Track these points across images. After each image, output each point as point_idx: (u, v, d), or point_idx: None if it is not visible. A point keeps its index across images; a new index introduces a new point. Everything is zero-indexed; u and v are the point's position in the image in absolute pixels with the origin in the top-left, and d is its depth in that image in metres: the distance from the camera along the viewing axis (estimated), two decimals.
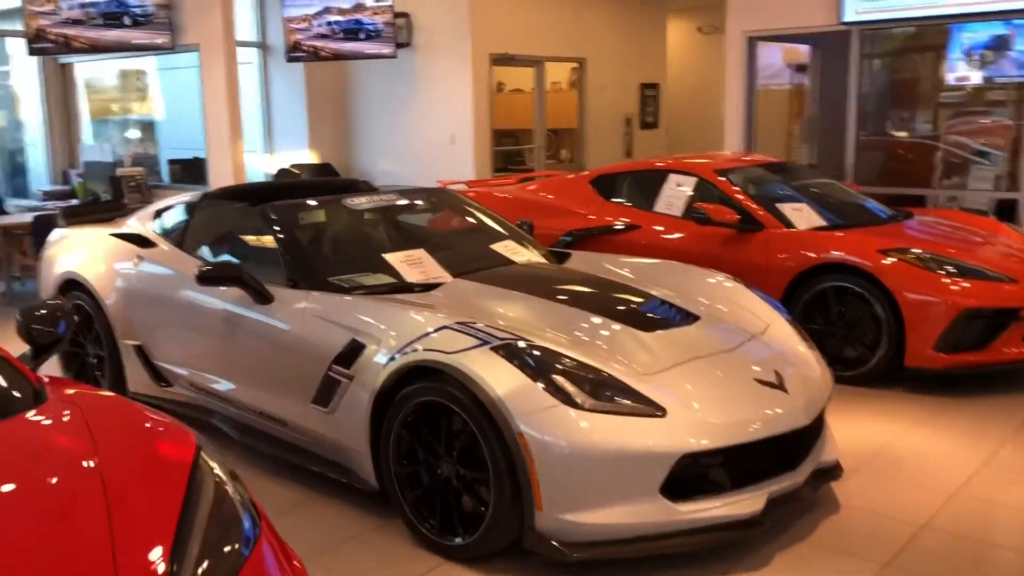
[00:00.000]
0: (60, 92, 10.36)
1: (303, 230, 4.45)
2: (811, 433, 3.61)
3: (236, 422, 4.36)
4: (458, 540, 3.35)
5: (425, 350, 3.39)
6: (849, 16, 7.84)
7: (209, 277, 4.03)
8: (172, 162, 10.19)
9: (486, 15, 10.21)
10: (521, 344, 3.32)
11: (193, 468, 2.18)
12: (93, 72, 11.40)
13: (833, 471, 3.78)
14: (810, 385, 3.66)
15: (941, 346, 5.06)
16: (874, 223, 5.94)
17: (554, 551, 3.14)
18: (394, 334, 3.56)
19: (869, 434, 4.59)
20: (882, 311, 5.18)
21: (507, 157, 12.41)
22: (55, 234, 5.56)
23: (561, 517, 3.12)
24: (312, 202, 4.58)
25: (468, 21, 10.03)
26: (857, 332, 5.34)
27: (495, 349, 3.28)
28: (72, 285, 5.13)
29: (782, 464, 3.45)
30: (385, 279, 4.13)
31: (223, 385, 4.37)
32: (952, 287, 5.07)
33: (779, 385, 3.50)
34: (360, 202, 4.61)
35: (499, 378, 3.19)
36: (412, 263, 4.22)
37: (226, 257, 4.67)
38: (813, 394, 3.62)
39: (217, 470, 2.24)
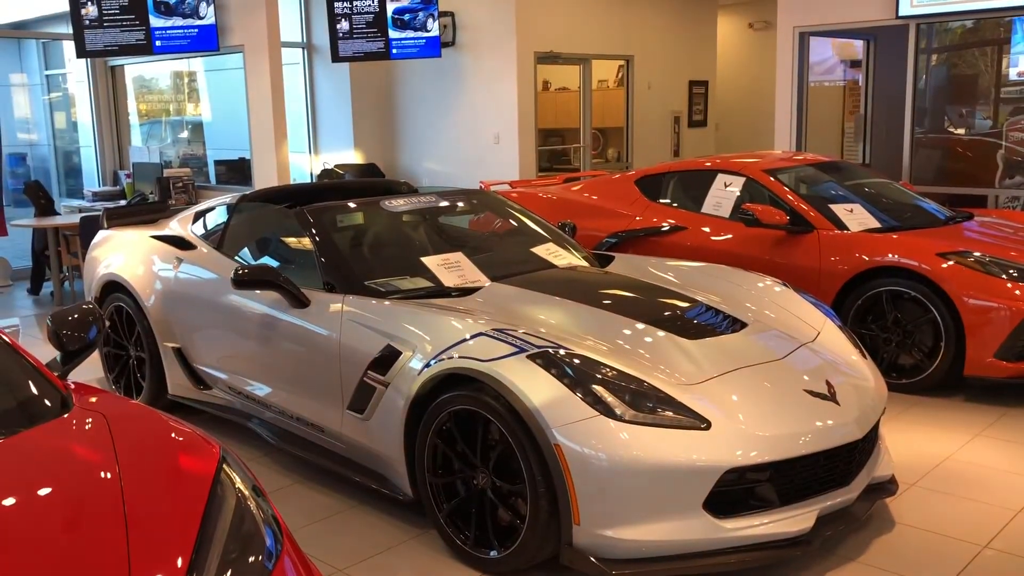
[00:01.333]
0: (110, 94, 10.49)
1: (340, 233, 4.39)
2: (864, 447, 3.44)
3: (273, 427, 4.32)
4: (493, 554, 3.25)
5: (460, 357, 3.30)
6: (905, 10, 7.58)
7: (244, 280, 3.99)
8: (218, 163, 10.26)
9: (531, 13, 10.11)
10: (559, 352, 3.21)
11: (214, 482, 2.12)
12: (142, 74, 11.54)
13: (888, 487, 3.61)
14: (863, 396, 3.49)
15: (1003, 354, 4.83)
16: (931, 225, 5.71)
17: (592, 568, 3.02)
18: (429, 340, 3.48)
19: (926, 447, 4.39)
20: (940, 317, 4.97)
21: (553, 157, 12.30)
22: (99, 236, 5.58)
23: (599, 532, 3.00)
24: (349, 204, 4.52)
25: (513, 19, 9.94)
26: (914, 339, 5.14)
27: (532, 357, 3.18)
28: (114, 287, 5.14)
29: (833, 479, 3.29)
30: (422, 283, 4.05)
31: (260, 389, 4.33)
32: (1015, 292, 4.84)
33: (831, 396, 3.34)
34: (398, 204, 4.54)
35: (535, 387, 3.08)
36: (450, 267, 4.13)
37: (263, 260, 4.63)
38: (866, 406, 3.45)
39: (239, 484, 2.17)
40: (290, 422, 4.18)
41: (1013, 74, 8.29)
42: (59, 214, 9.10)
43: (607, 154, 12.24)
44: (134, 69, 10.97)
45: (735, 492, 3.09)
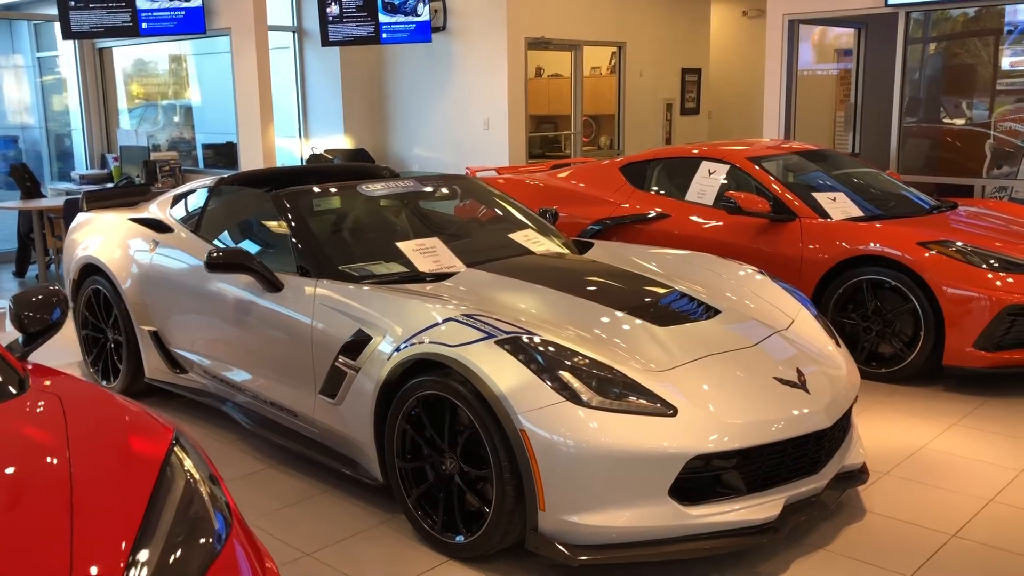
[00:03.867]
0: (98, 76, 10.43)
1: (315, 217, 4.36)
2: (835, 435, 3.43)
3: (248, 411, 4.31)
4: (460, 539, 3.24)
5: (430, 343, 3.28)
6: None
7: (217, 264, 3.96)
8: (206, 147, 10.22)
9: None
10: (527, 338, 3.19)
11: (164, 465, 2.10)
12: (132, 57, 11.48)
13: (858, 476, 3.60)
14: (835, 385, 3.48)
15: (982, 344, 4.83)
16: (915, 214, 5.69)
17: (557, 553, 3.02)
18: (399, 325, 3.46)
19: (901, 436, 4.38)
20: (920, 306, 4.96)
21: (545, 143, 12.26)
22: (78, 218, 5.55)
23: (565, 518, 2.99)
24: (326, 189, 4.49)
25: (504, 4, 9.89)
26: (894, 328, 5.12)
27: (500, 343, 3.16)
28: (91, 270, 5.12)
29: (802, 468, 3.28)
30: (397, 268, 4.03)
31: (235, 373, 4.32)
32: (995, 282, 4.83)
33: (800, 384, 3.33)
34: (375, 189, 4.51)
35: (502, 373, 3.07)
36: (425, 252, 4.11)
37: (240, 244, 4.60)
38: (837, 394, 3.44)
39: (190, 467, 2.15)
40: (264, 406, 4.16)
41: (1004, 64, 8.26)
42: (45, 197, 9.06)
43: (599, 141, 12.21)
44: (124, 52, 10.91)
45: (701, 479, 3.08)
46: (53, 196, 9.08)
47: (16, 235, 8.63)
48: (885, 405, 4.79)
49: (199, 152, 10.50)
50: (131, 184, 8.53)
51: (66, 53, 12.05)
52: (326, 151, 10.77)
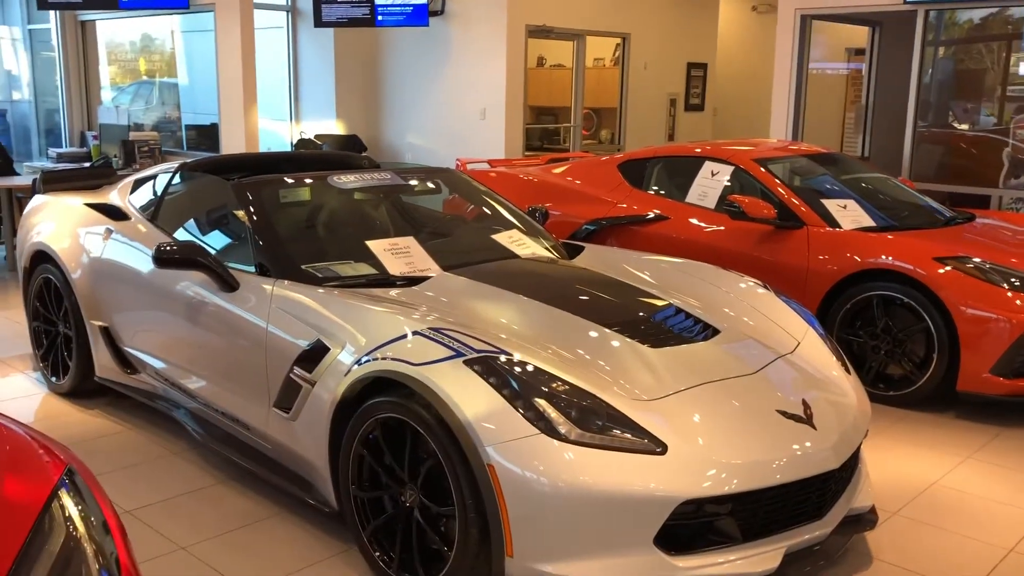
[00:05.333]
0: (79, 51, 10.03)
1: (279, 210, 3.99)
2: (842, 475, 3.07)
3: (200, 420, 3.94)
4: None
5: (393, 359, 2.92)
6: None
7: (166, 258, 3.59)
8: (189, 128, 9.82)
9: None
10: (501, 359, 2.83)
11: (42, 514, 1.73)
12: (115, 33, 11.07)
13: (867, 518, 3.24)
14: (844, 419, 3.11)
15: (1000, 369, 4.47)
16: (930, 225, 5.33)
17: None
18: (360, 336, 3.10)
19: (911, 469, 4.02)
20: (934, 326, 4.59)
21: (545, 135, 11.87)
22: (34, 201, 5.18)
23: (534, 567, 2.63)
24: (290, 179, 4.11)
25: None
26: (904, 348, 4.76)
27: (469, 363, 2.80)
28: (42, 257, 4.75)
29: (805, 512, 2.92)
30: (365, 269, 3.66)
31: (186, 378, 3.95)
32: (1016, 303, 4.47)
33: (806, 418, 2.97)
34: (347, 181, 4.13)
35: (470, 398, 2.71)
36: (398, 252, 3.74)
37: (200, 235, 4.23)
38: (847, 430, 3.07)
39: (74, 516, 1.78)
40: (216, 416, 3.80)
41: (1023, 69, 7.88)
42: (19, 175, 8.67)
43: (600, 135, 11.82)
44: (111, 26, 10.49)
45: (692, 526, 2.72)
46: (26, 175, 8.68)
47: None
48: (893, 432, 4.43)
49: (183, 133, 10.11)
50: (107, 164, 8.13)
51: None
52: (316, 136, 10.38)
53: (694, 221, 5.60)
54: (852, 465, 3.20)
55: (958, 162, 7.99)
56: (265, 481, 3.62)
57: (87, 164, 8.65)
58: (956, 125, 8.17)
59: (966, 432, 4.46)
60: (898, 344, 4.78)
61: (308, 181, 4.18)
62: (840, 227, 5.11)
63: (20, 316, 5.07)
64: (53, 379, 4.79)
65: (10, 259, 7.83)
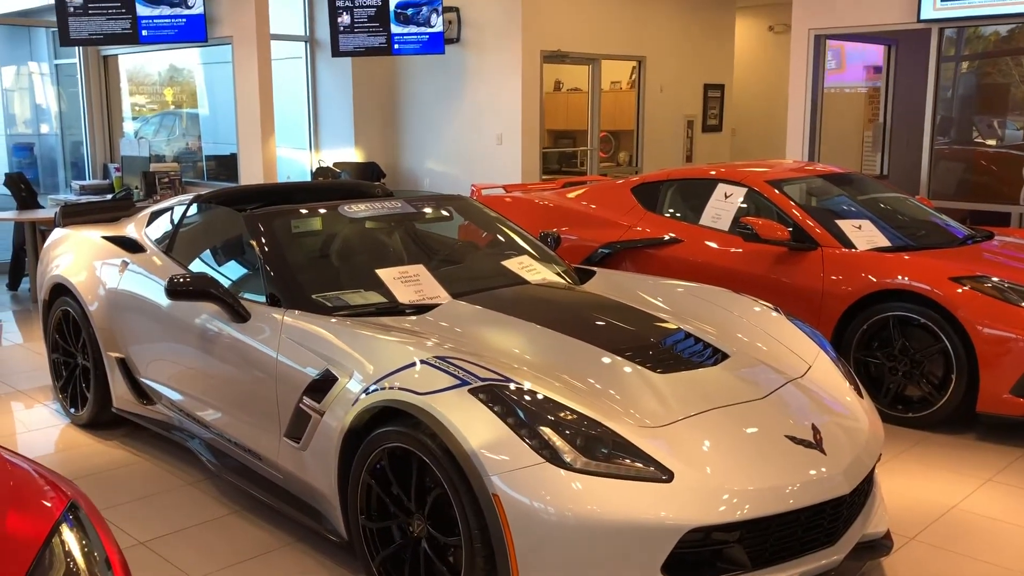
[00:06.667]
0: (101, 84, 10.21)
1: (291, 240, 4.02)
2: (855, 500, 3.03)
3: (215, 450, 3.97)
4: None
5: (400, 388, 2.93)
6: (928, 13, 7.13)
7: (178, 290, 3.63)
8: (209, 158, 9.95)
9: (539, 10, 9.73)
10: (507, 387, 2.83)
11: (42, 550, 1.76)
12: (143, 64, 11.26)
13: (882, 544, 3.20)
14: (855, 443, 3.08)
15: (1020, 390, 4.40)
16: (947, 245, 5.28)
17: None
18: (367, 366, 3.11)
19: (929, 492, 3.97)
20: (952, 347, 4.54)
21: (564, 159, 11.91)
22: (54, 234, 5.26)
23: None
24: (302, 210, 4.15)
25: (520, 16, 9.57)
26: (923, 369, 4.71)
27: (474, 391, 2.80)
28: (61, 290, 4.82)
29: (817, 538, 2.89)
30: (375, 298, 3.68)
31: (200, 408, 3.98)
32: None
33: (816, 444, 2.94)
34: (358, 210, 4.16)
35: (475, 427, 2.71)
36: (407, 281, 3.76)
37: (215, 266, 4.27)
38: (858, 454, 3.04)
39: (75, 551, 1.80)
40: (229, 446, 3.83)
41: None
42: (43, 208, 8.80)
43: (618, 158, 11.84)
44: (133, 60, 10.68)
45: (701, 554, 2.70)
46: (50, 207, 8.81)
47: (11, 246, 8.38)
48: (912, 455, 4.38)
49: (204, 164, 10.25)
50: (128, 196, 8.24)
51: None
52: (335, 164, 10.48)
53: (708, 244, 5.59)
54: (866, 490, 3.16)
55: (977, 179, 7.93)
56: (277, 511, 3.63)
57: (109, 196, 8.77)
58: (982, 140, 8.10)
59: (986, 454, 4.39)
60: (916, 365, 4.72)
61: (319, 211, 4.22)
62: (855, 248, 5.07)
63: (43, 348, 5.14)
64: (72, 410, 4.84)
65: (34, 291, 7.94)
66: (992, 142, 8.06)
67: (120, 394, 4.52)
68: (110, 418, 4.65)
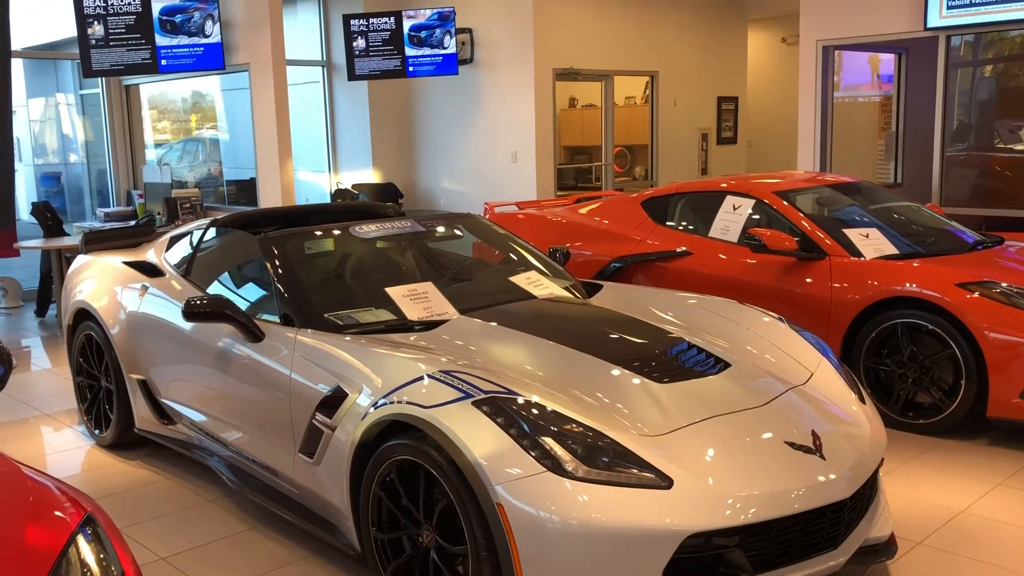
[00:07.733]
0: (124, 113, 10.44)
1: (304, 261, 4.13)
2: (857, 504, 3.08)
3: (234, 468, 4.07)
4: None
5: (407, 403, 3.01)
6: (934, 21, 7.17)
7: (195, 312, 3.75)
8: (229, 183, 10.14)
9: (550, 29, 9.85)
10: (509, 399, 2.90)
11: (59, 561, 1.85)
12: (166, 91, 11.51)
13: (885, 548, 3.23)
14: (856, 448, 3.12)
15: None
16: (956, 251, 5.30)
17: None
18: (376, 381, 3.20)
19: (938, 498, 3.99)
20: (960, 353, 4.56)
21: (579, 175, 12.01)
22: (77, 261, 5.41)
23: None
24: (314, 231, 4.26)
25: (532, 36, 9.69)
26: (932, 375, 4.73)
27: (478, 404, 2.88)
28: (84, 315, 4.96)
29: (818, 542, 2.94)
30: (385, 316, 3.78)
31: (219, 427, 4.09)
32: None
33: (816, 449, 2.99)
34: (369, 230, 4.27)
35: (478, 438, 2.79)
36: (416, 298, 3.85)
37: (232, 288, 4.39)
38: (859, 459, 3.08)
39: (91, 563, 1.90)
40: (247, 463, 3.93)
41: None
42: (69, 235, 9.01)
43: (634, 172, 11.92)
44: (151, 88, 10.92)
45: (701, 559, 2.75)
46: (76, 235, 9.02)
47: (39, 274, 8.58)
48: (921, 462, 4.40)
49: (224, 188, 10.44)
50: (151, 222, 8.41)
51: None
52: (353, 186, 10.64)
53: (718, 256, 5.64)
54: (868, 494, 3.20)
55: (990, 185, 7.92)
56: (294, 526, 3.72)
57: (132, 222, 8.96)
58: (1003, 144, 8.08)
59: (997, 459, 4.41)
60: (925, 372, 4.75)
61: (331, 233, 4.33)
62: (863, 256, 5.11)
63: (69, 372, 5.29)
64: (96, 432, 4.97)
65: (60, 318, 8.12)
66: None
67: (142, 415, 4.64)
68: (133, 439, 4.77)
